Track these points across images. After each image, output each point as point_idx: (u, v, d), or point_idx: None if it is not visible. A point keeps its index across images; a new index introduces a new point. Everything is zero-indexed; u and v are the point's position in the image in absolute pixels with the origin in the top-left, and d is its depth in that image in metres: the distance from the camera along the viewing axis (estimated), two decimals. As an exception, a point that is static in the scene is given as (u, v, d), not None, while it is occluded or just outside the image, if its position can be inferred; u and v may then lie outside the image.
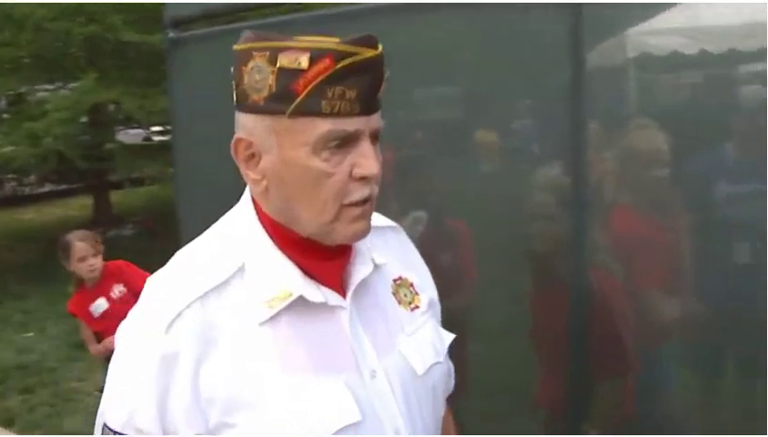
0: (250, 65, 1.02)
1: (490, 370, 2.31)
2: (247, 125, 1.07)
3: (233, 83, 1.07)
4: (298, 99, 1.00)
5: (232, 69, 1.06)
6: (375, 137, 1.06)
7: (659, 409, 2.15)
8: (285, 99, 1.01)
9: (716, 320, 2.08)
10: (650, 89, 2.36)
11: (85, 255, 3.64)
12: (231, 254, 1.10)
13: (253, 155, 1.08)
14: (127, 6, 7.53)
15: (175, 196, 3.11)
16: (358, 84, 1.01)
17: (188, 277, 1.09)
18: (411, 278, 1.25)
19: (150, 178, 9.94)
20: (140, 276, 3.72)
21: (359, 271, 1.15)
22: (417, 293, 1.24)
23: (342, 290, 1.13)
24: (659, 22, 2.28)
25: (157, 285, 1.11)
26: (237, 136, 1.08)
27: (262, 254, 1.10)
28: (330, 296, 1.11)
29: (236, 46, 1.06)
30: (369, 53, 1.01)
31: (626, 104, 2.23)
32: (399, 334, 1.18)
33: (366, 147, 1.04)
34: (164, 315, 1.05)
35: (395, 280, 1.22)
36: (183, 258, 1.14)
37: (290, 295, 1.07)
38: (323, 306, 1.09)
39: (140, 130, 10.53)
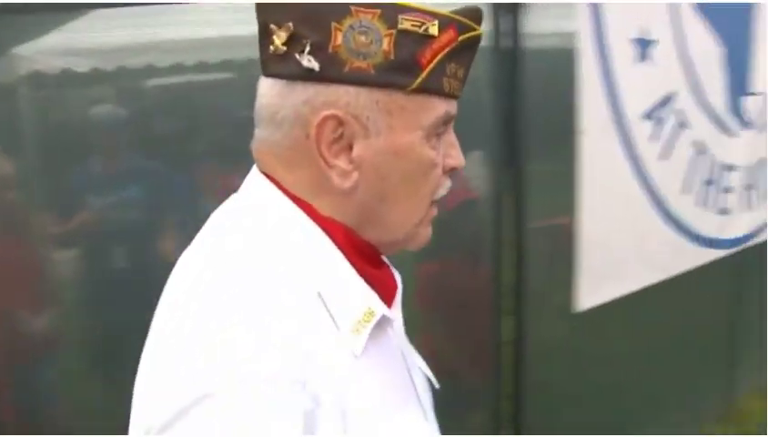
0: (347, 22, 0.81)
1: None
2: (340, 99, 0.83)
3: (277, 42, 0.83)
4: (424, 72, 0.82)
5: (295, 25, 0.82)
6: None
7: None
8: (408, 71, 0.82)
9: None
10: (43, 107, 2.42)
11: None
12: (300, 271, 0.84)
13: (341, 137, 0.84)
14: None
15: None
16: (467, 62, 0.87)
17: (276, 303, 0.80)
18: None
19: None
20: None
21: (398, 280, 0.99)
22: None
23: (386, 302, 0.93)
24: (48, 42, 2.35)
25: (235, 316, 0.78)
26: (327, 112, 0.82)
27: (334, 268, 0.87)
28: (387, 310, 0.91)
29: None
30: (480, 30, 0.87)
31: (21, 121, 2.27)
32: (410, 345, 1.02)
33: (453, 135, 0.91)
34: (286, 358, 0.76)
35: None
36: (237, 275, 0.82)
37: (373, 314, 0.87)
38: (387, 322, 0.90)
39: None
